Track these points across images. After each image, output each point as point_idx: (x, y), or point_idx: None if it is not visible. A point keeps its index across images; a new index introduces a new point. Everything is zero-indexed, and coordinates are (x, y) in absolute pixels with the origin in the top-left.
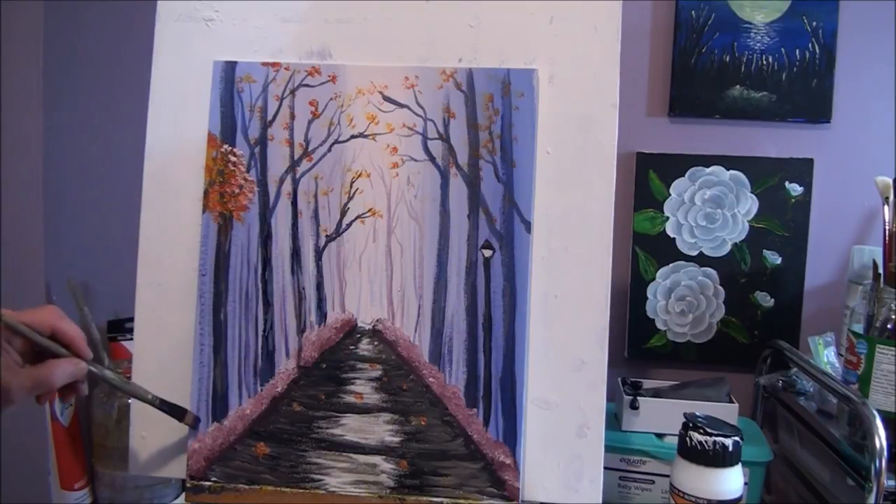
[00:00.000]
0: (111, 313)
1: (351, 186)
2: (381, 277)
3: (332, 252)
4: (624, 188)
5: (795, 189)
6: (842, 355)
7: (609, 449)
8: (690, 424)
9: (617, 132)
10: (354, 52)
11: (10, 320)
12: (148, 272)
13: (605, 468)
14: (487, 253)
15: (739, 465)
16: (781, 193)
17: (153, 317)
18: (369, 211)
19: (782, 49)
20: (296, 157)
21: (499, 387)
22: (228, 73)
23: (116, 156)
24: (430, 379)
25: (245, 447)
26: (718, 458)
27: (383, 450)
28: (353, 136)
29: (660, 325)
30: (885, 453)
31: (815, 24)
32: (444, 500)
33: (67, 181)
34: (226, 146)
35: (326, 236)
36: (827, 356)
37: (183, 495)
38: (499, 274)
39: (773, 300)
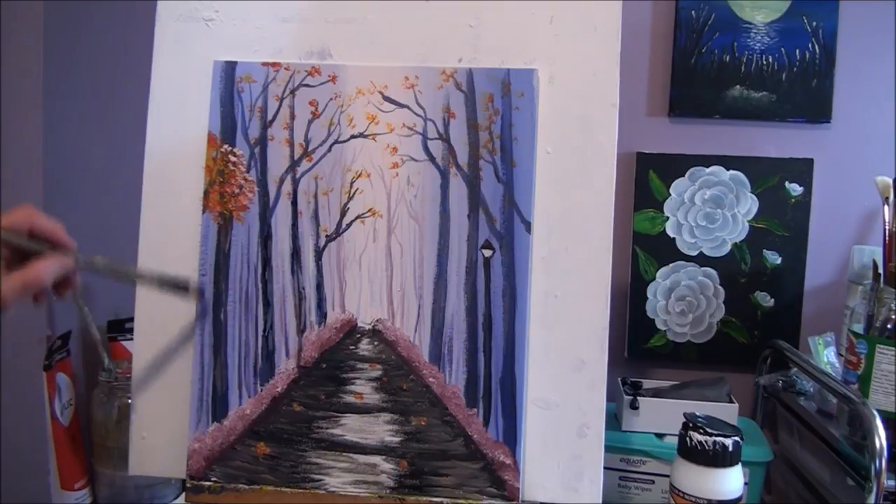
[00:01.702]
0: (111, 313)
1: (351, 186)
2: (381, 277)
3: (332, 252)
4: (624, 188)
5: (795, 189)
6: (842, 355)
7: (609, 449)
8: (690, 424)
9: (617, 132)
10: (354, 52)
11: None
12: None
13: (605, 468)
14: (487, 253)
15: (739, 465)
16: (781, 193)
17: (153, 317)
18: (369, 211)
19: (782, 49)
20: (296, 157)
21: (499, 387)
22: (228, 73)
23: (116, 156)
24: (430, 379)
25: (245, 447)
26: (718, 458)
27: (383, 450)
28: (353, 136)
29: (660, 325)
30: (885, 453)
31: (815, 24)
32: (444, 500)
33: (67, 181)
34: (226, 146)
35: (326, 236)
36: (827, 356)
37: (183, 495)
38: (499, 274)
39: (773, 300)
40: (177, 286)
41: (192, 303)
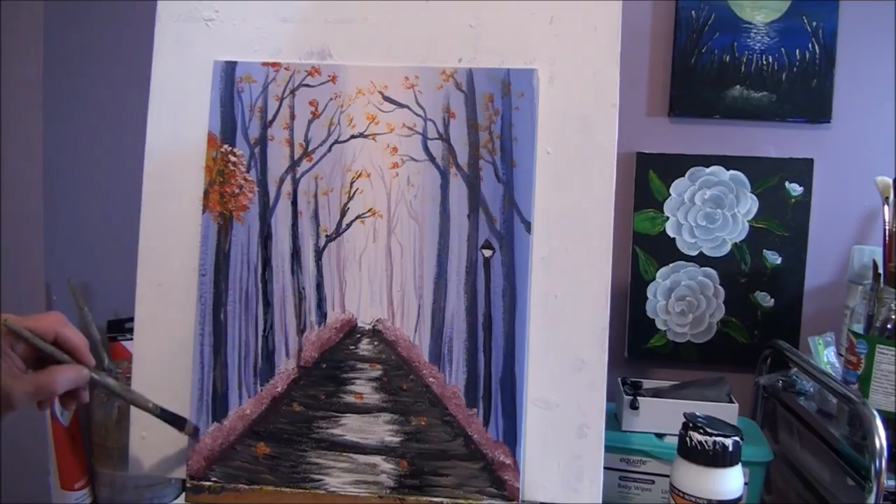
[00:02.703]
0: (111, 313)
1: (351, 186)
2: (381, 277)
3: (332, 252)
4: (624, 188)
5: (795, 189)
6: (842, 355)
7: (609, 449)
8: (690, 424)
9: (617, 132)
10: (354, 52)
11: (14, 325)
12: (148, 272)
13: (605, 468)
14: (487, 253)
15: (739, 465)
16: (781, 193)
17: (153, 317)
18: (369, 211)
19: (782, 49)
20: (296, 157)
21: (499, 387)
22: (228, 73)
23: (116, 156)
24: (430, 379)
25: (245, 447)
26: (718, 458)
27: (383, 450)
28: (353, 136)
29: (660, 325)
30: (885, 453)
31: (815, 24)
32: (444, 500)
33: (67, 181)
34: (226, 146)
35: (326, 236)
36: (827, 356)
37: (183, 495)
38: (499, 274)
39: (773, 300)
40: (174, 422)
41: (188, 437)
